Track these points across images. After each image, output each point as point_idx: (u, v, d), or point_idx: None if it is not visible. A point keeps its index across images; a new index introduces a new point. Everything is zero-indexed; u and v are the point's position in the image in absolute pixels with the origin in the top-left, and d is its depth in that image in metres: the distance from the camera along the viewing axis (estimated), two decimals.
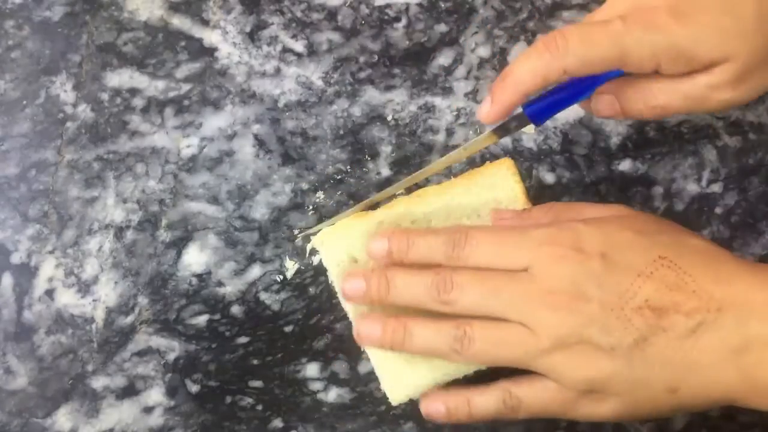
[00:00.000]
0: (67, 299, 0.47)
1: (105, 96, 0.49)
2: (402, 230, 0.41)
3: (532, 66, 0.38)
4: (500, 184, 0.44)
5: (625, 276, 0.37)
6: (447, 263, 0.39)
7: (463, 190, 0.44)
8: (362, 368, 0.47)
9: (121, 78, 0.49)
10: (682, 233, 0.39)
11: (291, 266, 0.48)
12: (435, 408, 0.40)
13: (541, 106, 0.40)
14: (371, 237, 0.42)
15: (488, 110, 0.39)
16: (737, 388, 0.35)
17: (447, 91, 0.50)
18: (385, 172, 0.49)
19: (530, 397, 0.38)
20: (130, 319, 0.47)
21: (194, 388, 0.46)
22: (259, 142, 0.49)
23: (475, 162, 0.49)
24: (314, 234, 0.45)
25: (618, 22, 0.37)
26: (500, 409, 0.39)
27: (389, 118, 0.49)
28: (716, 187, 0.49)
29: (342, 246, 0.43)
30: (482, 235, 0.39)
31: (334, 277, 0.44)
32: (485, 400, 0.39)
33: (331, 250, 0.43)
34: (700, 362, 0.35)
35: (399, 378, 0.43)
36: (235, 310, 0.47)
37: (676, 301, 0.36)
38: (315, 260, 0.47)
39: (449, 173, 0.48)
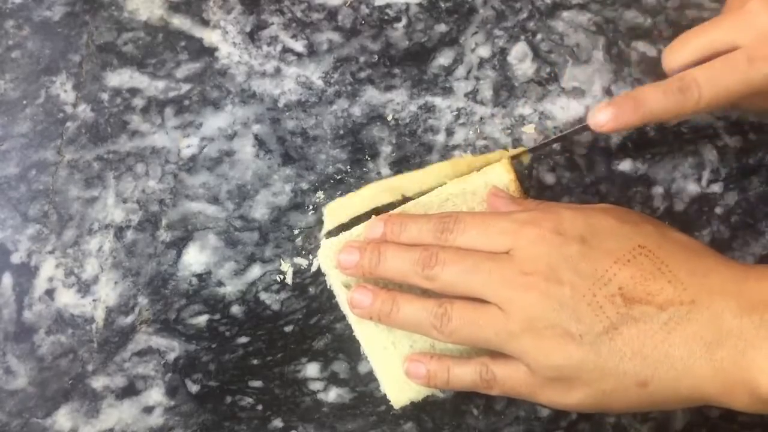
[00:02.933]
0: (67, 299, 0.47)
1: (105, 96, 0.49)
2: (397, 215, 0.43)
3: (666, 105, 0.41)
4: (496, 182, 0.45)
5: (602, 261, 0.37)
6: (436, 244, 0.40)
7: (458, 189, 0.45)
8: (362, 368, 0.47)
9: (121, 78, 0.49)
10: (666, 228, 0.40)
11: (290, 266, 0.48)
12: (416, 369, 0.42)
13: None
14: (369, 222, 0.43)
15: (607, 122, 0.41)
16: (709, 383, 0.35)
17: (447, 91, 0.50)
18: (385, 172, 0.49)
19: (504, 375, 0.39)
20: (130, 319, 0.47)
21: (194, 388, 0.46)
22: (259, 142, 0.49)
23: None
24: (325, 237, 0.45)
25: (743, 62, 0.39)
26: (476, 381, 0.40)
27: (389, 118, 0.49)
28: (716, 187, 0.49)
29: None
30: (470, 218, 0.40)
31: (332, 280, 0.44)
32: (464, 371, 0.41)
33: (329, 257, 0.44)
34: (672, 355, 0.35)
35: (400, 381, 0.43)
36: (235, 310, 0.47)
37: (649, 291, 0.36)
38: (315, 264, 0.48)
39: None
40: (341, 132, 0.49)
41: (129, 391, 0.46)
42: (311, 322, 0.47)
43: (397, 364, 0.43)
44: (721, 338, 0.35)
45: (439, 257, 0.39)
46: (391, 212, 0.44)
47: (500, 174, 0.45)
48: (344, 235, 0.44)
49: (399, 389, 0.43)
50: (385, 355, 0.43)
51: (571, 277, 0.37)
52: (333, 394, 0.47)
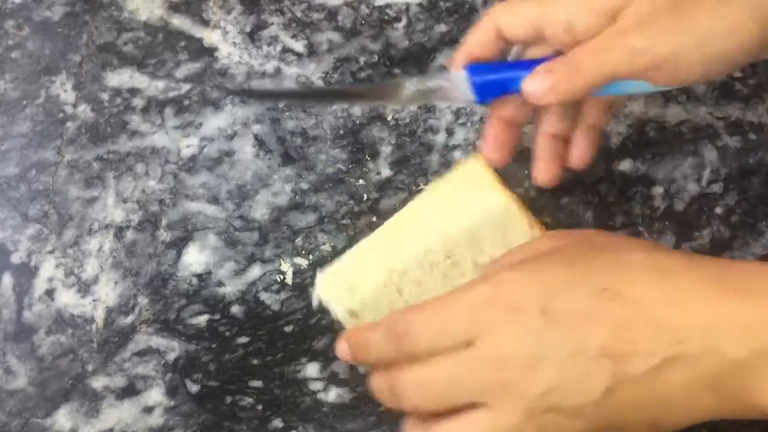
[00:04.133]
0: (67, 299, 0.47)
1: (105, 96, 0.49)
2: (351, 333, 0.40)
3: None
4: (476, 184, 0.45)
5: (572, 325, 0.34)
6: (399, 358, 0.37)
7: (439, 204, 0.45)
8: (362, 368, 0.47)
9: (121, 78, 0.49)
10: (618, 249, 0.37)
11: (290, 266, 0.48)
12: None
13: (488, 79, 0.42)
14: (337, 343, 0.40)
15: (543, 93, 0.39)
16: (719, 412, 0.34)
17: None
18: (385, 172, 0.49)
19: None
20: (130, 319, 0.47)
21: (194, 388, 0.46)
22: (259, 142, 0.49)
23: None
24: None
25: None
26: None
27: (389, 118, 0.49)
28: (716, 187, 0.49)
29: (343, 286, 0.44)
30: (421, 319, 0.37)
31: (336, 310, 0.44)
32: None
33: (327, 288, 0.44)
34: (674, 396, 0.34)
35: None
36: (235, 310, 0.47)
37: (633, 340, 0.34)
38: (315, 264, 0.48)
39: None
40: (341, 132, 0.49)
41: (129, 391, 0.46)
42: (311, 322, 0.47)
43: None
44: (721, 369, 0.33)
45: (397, 390, 0.37)
46: (348, 329, 0.43)
47: (478, 173, 0.45)
48: (339, 263, 0.44)
49: None
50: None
51: (548, 354, 0.34)
52: (333, 394, 0.47)
